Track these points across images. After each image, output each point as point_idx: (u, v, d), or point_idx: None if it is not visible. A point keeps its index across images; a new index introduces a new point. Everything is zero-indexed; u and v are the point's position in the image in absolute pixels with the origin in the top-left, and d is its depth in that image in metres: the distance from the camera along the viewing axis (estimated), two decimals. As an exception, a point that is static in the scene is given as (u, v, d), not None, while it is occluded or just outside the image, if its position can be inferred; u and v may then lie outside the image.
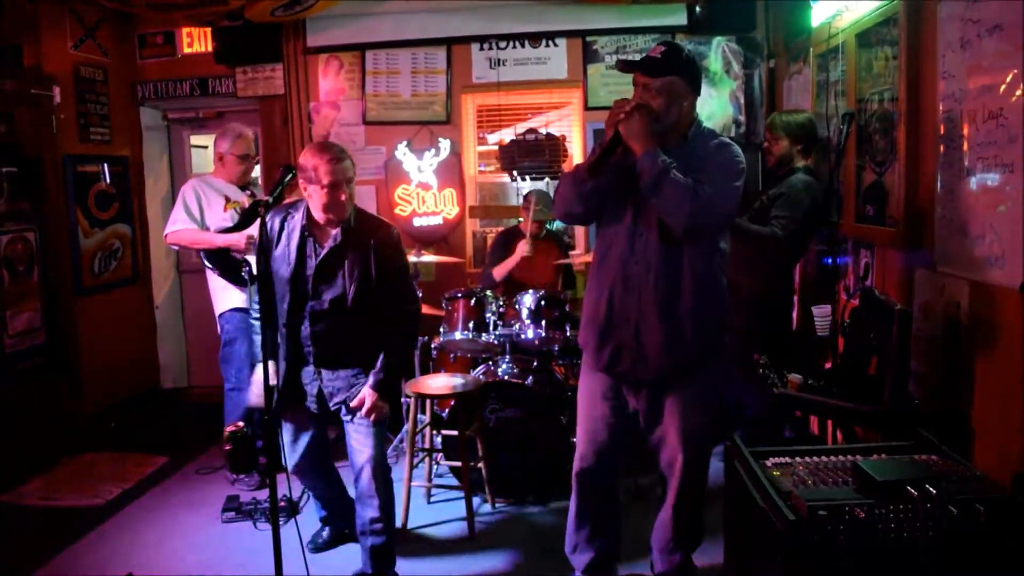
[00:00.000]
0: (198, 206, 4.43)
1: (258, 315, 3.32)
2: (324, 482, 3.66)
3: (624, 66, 2.85)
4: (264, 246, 3.07)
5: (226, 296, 4.50)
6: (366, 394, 3.20)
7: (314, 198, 3.15)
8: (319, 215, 3.19)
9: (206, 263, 4.46)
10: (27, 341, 4.88)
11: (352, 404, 3.23)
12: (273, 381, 2.79)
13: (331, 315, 3.22)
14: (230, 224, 4.36)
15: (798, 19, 4.74)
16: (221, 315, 4.55)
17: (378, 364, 3.23)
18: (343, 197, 3.13)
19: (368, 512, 3.30)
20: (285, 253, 3.23)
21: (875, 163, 3.69)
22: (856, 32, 3.84)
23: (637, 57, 2.93)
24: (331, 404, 3.31)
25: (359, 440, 3.29)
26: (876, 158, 3.67)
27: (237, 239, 4.24)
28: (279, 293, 3.24)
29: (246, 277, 4.16)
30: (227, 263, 4.37)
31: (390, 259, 3.28)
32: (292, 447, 3.42)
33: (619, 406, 2.97)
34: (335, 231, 3.21)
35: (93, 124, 5.65)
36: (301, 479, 3.60)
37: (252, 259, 3.68)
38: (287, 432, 3.40)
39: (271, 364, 2.98)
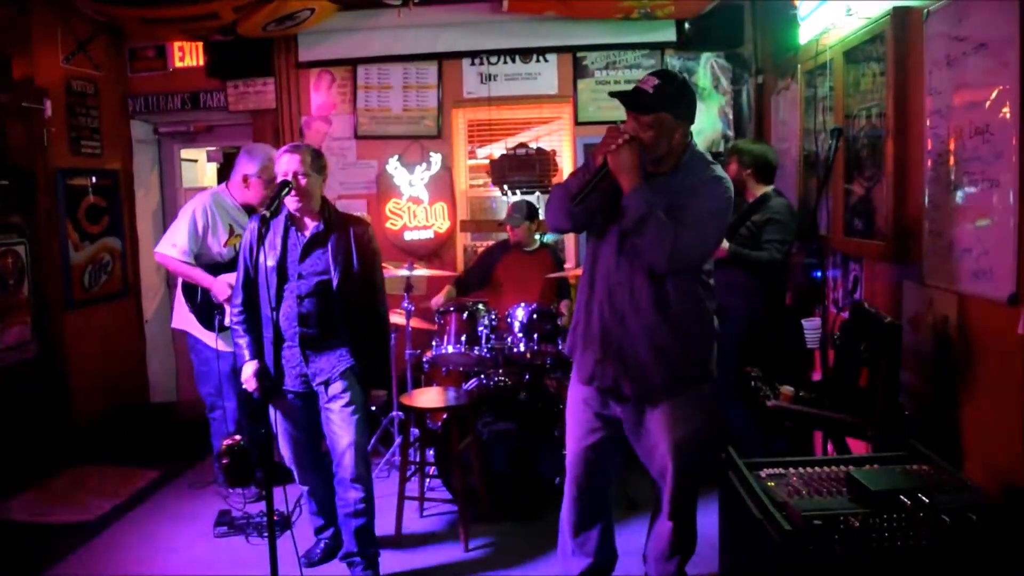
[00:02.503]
0: (204, 228, 4.30)
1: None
2: (321, 476, 3.70)
3: (616, 97, 2.82)
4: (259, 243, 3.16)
5: (189, 319, 4.42)
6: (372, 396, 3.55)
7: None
8: (289, 206, 3.37)
9: (181, 293, 4.42)
10: (17, 355, 4.86)
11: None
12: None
13: (317, 296, 3.39)
14: (225, 260, 4.34)
15: (786, 36, 4.80)
16: (186, 333, 4.49)
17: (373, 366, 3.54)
18: (292, 190, 3.27)
19: (351, 494, 3.47)
20: (271, 245, 3.40)
21: (863, 178, 3.74)
22: (844, 49, 3.90)
23: (627, 80, 2.94)
24: (314, 384, 3.45)
25: (340, 425, 3.44)
26: (864, 173, 3.72)
27: (220, 288, 4.20)
28: (264, 282, 3.37)
29: (216, 324, 4.26)
30: (203, 302, 4.32)
31: (366, 248, 3.51)
32: (285, 436, 3.58)
33: (604, 413, 2.99)
34: (316, 221, 3.43)
35: (84, 137, 5.64)
36: (299, 473, 3.68)
37: (227, 310, 3.83)
38: (280, 423, 3.56)
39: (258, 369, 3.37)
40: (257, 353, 3.45)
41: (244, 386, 3.50)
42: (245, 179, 4.38)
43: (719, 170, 2.87)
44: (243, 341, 3.48)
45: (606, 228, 2.90)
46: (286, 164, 3.32)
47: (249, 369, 3.45)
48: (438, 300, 4.97)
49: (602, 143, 2.73)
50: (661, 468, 2.93)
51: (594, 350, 2.91)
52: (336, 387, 3.42)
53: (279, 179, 3.30)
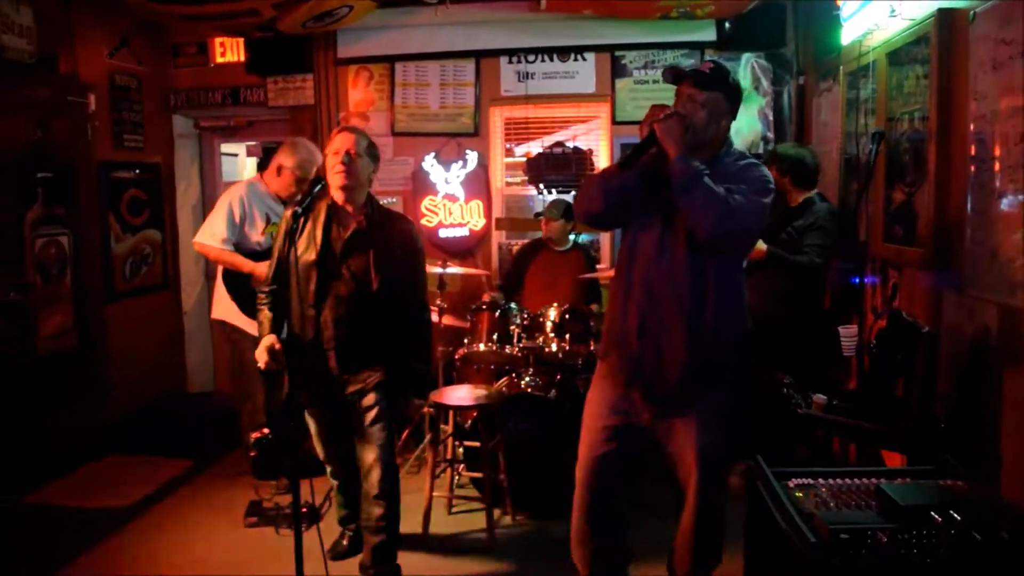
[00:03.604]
0: (241, 217, 4.37)
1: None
2: (350, 475, 3.66)
3: (673, 74, 2.85)
4: (289, 244, 3.17)
5: (230, 308, 4.45)
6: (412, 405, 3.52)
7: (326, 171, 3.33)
8: (333, 191, 3.32)
9: (223, 280, 4.46)
10: (58, 344, 4.95)
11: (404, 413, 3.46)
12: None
13: (355, 298, 3.29)
14: (261, 249, 4.38)
15: (828, 36, 4.73)
16: (224, 323, 4.54)
17: (414, 375, 3.47)
18: (341, 163, 3.25)
19: (375, 511, 3.40)
20: (311, 237, 3.31)
21: (904, 183, 3.66)
22: (887, 51, 3.82)
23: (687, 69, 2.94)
24: (345, 394, 3.38)
25: (368, 441, 3.39)
26: (906, 178, 3.65)
27: (262, 269, 4.24)
28: (303, 277, 3.28)
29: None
30: (244, 289, 4.33)
31: (410, 250, 3.43)
32: (318, 435, 3.57)
33: (628, 421, 2.92)
34: (359, 217, 3.33)
35: (127, 131, 5.74)
36: (330, 468, 3.69)
37: None
38: (312, 422, 3.54)
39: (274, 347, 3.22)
40: (276, 330, 3.34)
41: (257, 362, 3.34)
42: (279, 169, 4.47)
43: (754, 160, 2.89)
44: (264, 316, 3.37)
45: (644, 223, 2.86)
46: (340, 142, 3.29)
47: (265, 342, 3.29)
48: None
49: (648, 115, 2.76)
50: (685, 477, 2.87)
51: (631, 348, 2.86)
52: (368, 399, 3.36)
53: (327, 151, 3.29)
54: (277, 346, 3.26)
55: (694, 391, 2.80)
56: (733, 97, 2.83)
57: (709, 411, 2.82)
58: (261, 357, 3.28)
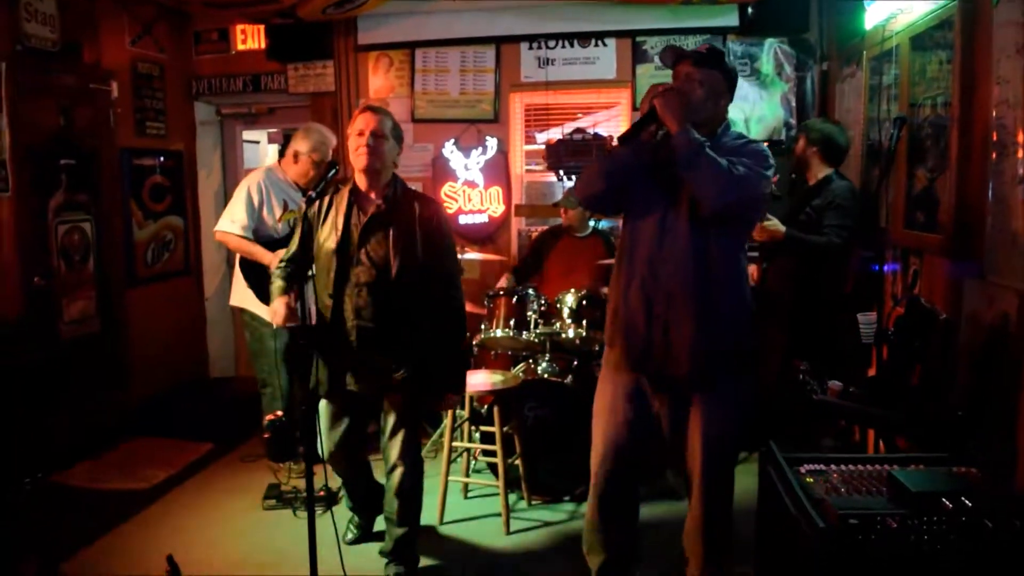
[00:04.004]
0: (260, 204, 4.39)
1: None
2: (356, 473, 3.69)
3: (671, 53, 2.89)
4: (307, 227, 3.15)
5: (247, 295, 4.46)
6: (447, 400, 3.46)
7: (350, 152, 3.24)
8: (356, 175, 3.26)
9: (239, 268, 4.48)
10: (81, 328, 5.02)
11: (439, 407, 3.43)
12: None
13: (376, 285, 3.16)
14: (279, 236, 4.40)
15: (851, 21, 4.67)
16: (242, 311, 4.57)
17: (446, 368, 3.35)
18: (365, 145, 3.16)
19: (396, 506, 3.38)
20: (332, 225, 3.21)
21: (927, 169, 3.61)
22: (910, 35, 3.77)
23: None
24: (365, 391, 3.28)
25: (395, 436, 3.33)
26: (928, 164, 3.60)
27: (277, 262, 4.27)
28: (322, 266, 3.22)
29: None
30: (261, 277, 4.31)
31: (435, 233, 3.25)
32: (329, 434, 3.40)
33: (642, 408, 2.91)
34: (378, 200, 3.22)
35: (149, 119, 5.79)
36: (334, 467, 3.60)
37: None
38: (324, 418, 3.38)
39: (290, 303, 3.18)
40: (290, 291, 3.25)
41: (271, 319, 3.23)
42: (296, 155, 4.50)
43: (756, 140, 2.93)
44: (276, 286, 3.27)
45: (646, 206, 2.85)
46: (363, 122, 3.18)
47: (278, 301, 3.20)
48: (501, 286, 4.98)
49: (648, 92, 2.82)
50: (694, 468, 2.87)
51: (638, 332, 2.84)
52: (394, 397, 3.28)
53: (350, 132, 3.23)
54: (293, 304, 3.18)
55: (706, 374, 2.79)
56: (729, 78, 2.86)
57: (718, 400, 2.82)
58: (278, 312, 3.18)
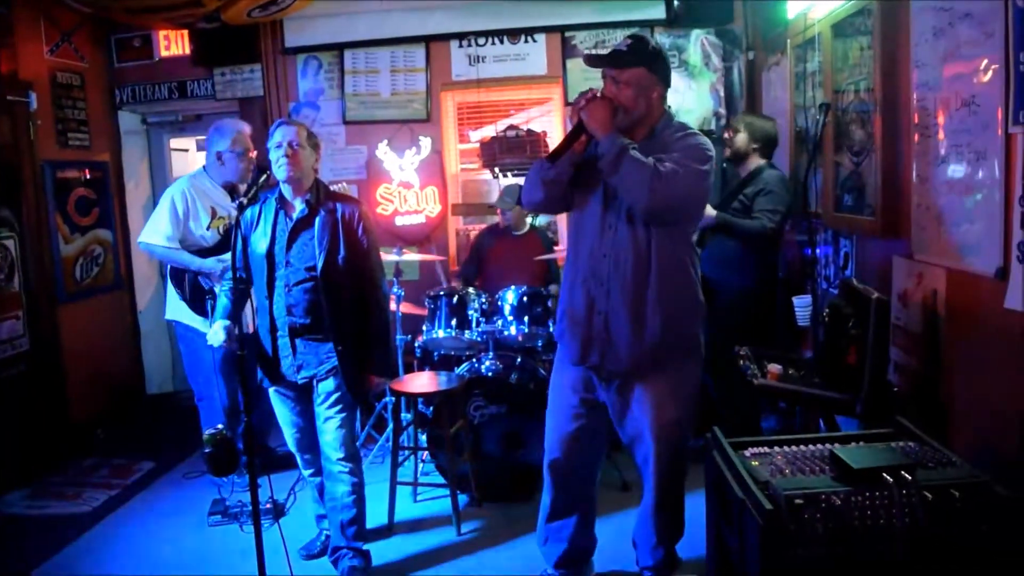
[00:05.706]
0: (184, 213, 4.24)
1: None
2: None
3: (591, 61, 2.88)
4: (241, 234, 3.21)
5: (181, 308, 4.36)
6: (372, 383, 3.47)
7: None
8: (281, 185, 3.38)
9: (170, 280, 4.36)
10: (10, 349, 4.84)
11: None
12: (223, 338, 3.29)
13: (305, 284, 3.32)
14: (208, 244, 4.29)
15: (775, 11, 4.75)
16: (176, 323, 4.44)
17: (371, 352, 3.43)
18: (285, 156, 3.28)
19: (339, 487, 3.44)
20: (263, 231, 3.38)
21: (852, 153, 3.70)
22: (831, 23, 3.85)
23: (605, 52, 2.96)
24: (299, 378, 3.40)
25: (326, 423, 3.41)
26: (853, 148, 3.68)
27: (212, 267, 4.19)
28: (256, 270, 3.37)
29: (208, 310, 4.16)
30: (192, 288, 4.27)
31: (356, 233, 3.41)
32: (285, 425, 3.56)
33: (589, 399, 2.96)
34: (302, 205, 3.36)
35: (71, 130, 5.61)
36: (302, 459, 3.65)
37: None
38: (278, 409, 3.55)
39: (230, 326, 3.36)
40: (232, 317, 3.41)
41: (209, 342, 3.40)
42: (219, 156, 4.36)
43: (693, 129, 2.88)
44: (222, 302, 3.46)
45: (586, 207, 2.89)
46: (281, 135, 3.32)
47: (219, 324, 3.38)
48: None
49: (574, 104, 2.81)
50: (645, 454, 2.91)
51: (582, 327, 2.88)
52: (324, 385, 3.38)
53: (271, 148, 3.30)
54: (231, 327, 3.35)
55: (645, 366, 2.83)
56: (658, 68, 2.80)
57: (664, 388, 2.85)
58: (217, 336, 3.36)
